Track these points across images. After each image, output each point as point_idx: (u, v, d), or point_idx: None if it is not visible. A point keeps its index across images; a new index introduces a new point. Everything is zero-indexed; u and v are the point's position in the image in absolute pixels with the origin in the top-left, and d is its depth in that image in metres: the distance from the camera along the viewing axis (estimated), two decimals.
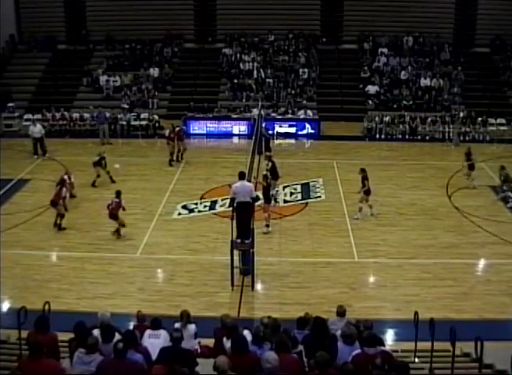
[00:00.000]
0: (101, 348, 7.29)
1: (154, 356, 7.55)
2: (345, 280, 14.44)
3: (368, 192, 17.70)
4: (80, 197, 19.32)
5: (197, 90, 29.13)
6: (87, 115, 26.78)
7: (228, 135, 26.61)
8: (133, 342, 7.33)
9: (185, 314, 9.04)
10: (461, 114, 25.90)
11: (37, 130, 23.48)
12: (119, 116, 26.72)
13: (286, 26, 31.42)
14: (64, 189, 17.21)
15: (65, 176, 18.15)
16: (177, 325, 8.74)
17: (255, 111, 26.04)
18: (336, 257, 15.63)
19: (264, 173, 17.71)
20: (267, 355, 6.56)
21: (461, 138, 25.66)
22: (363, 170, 17.84)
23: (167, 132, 23.15)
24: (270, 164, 18.48)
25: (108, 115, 26.30)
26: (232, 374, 6.52)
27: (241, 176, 14.21)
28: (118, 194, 16.53)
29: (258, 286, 14.26)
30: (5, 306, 13.10)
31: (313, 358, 6.79)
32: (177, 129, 22.86)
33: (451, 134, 25.62)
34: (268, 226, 16.80)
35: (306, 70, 29.79)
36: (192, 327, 8.96)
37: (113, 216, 16.36)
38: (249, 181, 14.86)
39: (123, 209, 16.50)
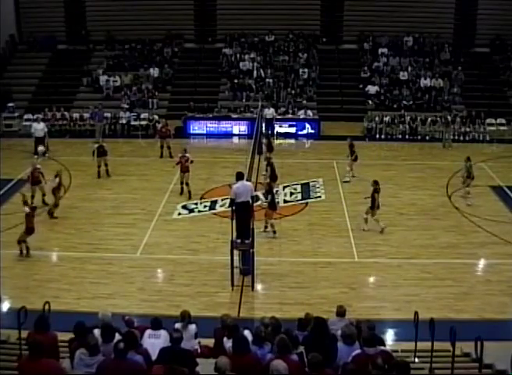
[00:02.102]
0: (101, 348, 7.29)
1: (154, 356, 7.54)
2: (345, 280, 14.44)
3: (374, 206, 16.68)
4: (80, 197, 19.31)
5: (197, 90, 29.13)
6: (86, 115, 26.78)
7: (228, 135, 26.62)
8: (133, 343, 7.32)
9: (186, 314, 9.03)
10: (449, 117, 25.72)
11: (40, 127, 23.51)
12: (120, 115, 26.73)
13: (286, 26, 31.42)
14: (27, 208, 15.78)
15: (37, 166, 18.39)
16: (178, 325, 8.74)
17: (267, 111, 26.03)
18: (336, 257, 15.62)
19: (267, 181, 17.95)
20: (276, 364, 6.45)
21: (461, 138, 25.72)
22: (375, 183, 16.71)
23: (159, 126, 24.20)
24: (269, 169, 18.43)
25: (108, 115, 26.33)
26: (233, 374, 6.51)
27: (239, 176, 14.12)
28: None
29: (258, 286, 14.25)
30: (5, 306, 13.09)
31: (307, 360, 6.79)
32: (180, 155, 20.35)
33: (450, 135, 25.61)
34: (272, 229, 16.58)
35: (306, 70, 29.79)
36: (192, 327, 8.95)
37: None
38: (248, 181, 14.83)
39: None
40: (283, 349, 6.96)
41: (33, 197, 18.01)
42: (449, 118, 25.55)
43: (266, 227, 16.83)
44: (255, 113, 25.56)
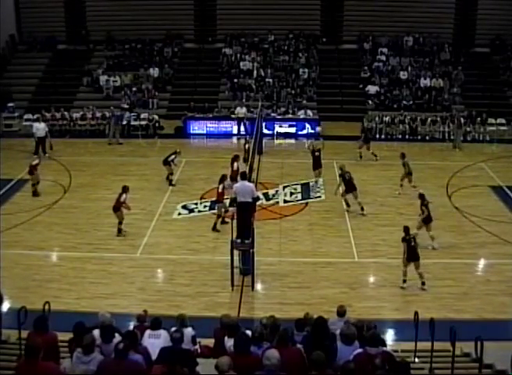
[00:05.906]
0: (101, 348, 7.29)
1: (154, 356, 7.54)
2: (345, 280, 14.44)
3: (427, 220, 15.96)
4: (80, 197, 19.32)
5: (197, 90, 29.13)
6: (89, 115, 26.71)
7: (228, 135, 26.61)
8: (134, 343, 7.32)
9: (181, 318, 8.59)
10: (462, 119, 25.59)
11: (41, 126, 23.53)
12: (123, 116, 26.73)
13: (286, 26, 31.42)
14: None
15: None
16: (174, 329, 8.49)
17: (239, 109, 26.16)
18: (336, 257, 15.63)
19: None
20: (268, 353, 6.51)
21: (461, 138, 25.68)
22: (421, 196, 16.17)
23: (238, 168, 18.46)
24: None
25: (108, 115, 26.32)
26: (234, 374, 6.50)
27: (243, 176, 14.25)
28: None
29: (258, 286, 14.26)
30: (5, 306, 13.09)
31: (309, 358, 6.78)
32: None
33: (451, 134, 25.57)
34: None
35: (306, 70, 29.78)
36: (188, 331, 8.42)
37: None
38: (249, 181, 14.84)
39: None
40: (283, 342, 6.97)
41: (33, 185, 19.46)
42: (462, 120, 25.48)
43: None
44: (255, 113, 25.56)
